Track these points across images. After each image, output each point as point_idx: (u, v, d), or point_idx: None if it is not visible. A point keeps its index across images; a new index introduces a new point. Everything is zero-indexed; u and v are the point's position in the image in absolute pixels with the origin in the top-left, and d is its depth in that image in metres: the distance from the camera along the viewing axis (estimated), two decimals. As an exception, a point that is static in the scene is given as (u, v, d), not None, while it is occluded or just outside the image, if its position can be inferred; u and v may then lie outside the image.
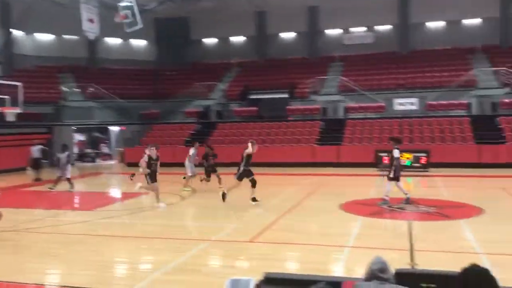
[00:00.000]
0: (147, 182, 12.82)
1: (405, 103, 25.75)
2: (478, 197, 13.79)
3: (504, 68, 26.98)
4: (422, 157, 20.65)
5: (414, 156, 20.65)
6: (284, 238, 9.36)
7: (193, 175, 16.25)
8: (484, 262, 7.46)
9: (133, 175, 16.07)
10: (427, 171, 20.33)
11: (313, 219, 11.38)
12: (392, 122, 25.15)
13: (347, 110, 27.53)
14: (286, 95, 29.52)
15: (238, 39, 37.03)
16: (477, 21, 32.25)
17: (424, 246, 8.51)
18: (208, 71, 34.20)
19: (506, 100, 24.75)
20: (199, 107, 29.95)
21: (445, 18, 32.37)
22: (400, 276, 3.84)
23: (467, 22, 32.44)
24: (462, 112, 25.23)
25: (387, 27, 33.98)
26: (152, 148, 12.95)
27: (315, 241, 9.23)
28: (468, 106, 25.35)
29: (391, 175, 12.47)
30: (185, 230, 10.98)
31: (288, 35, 36.00)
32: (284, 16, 33.61)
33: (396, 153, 12.57)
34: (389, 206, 12.24)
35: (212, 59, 36.20)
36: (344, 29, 34.82)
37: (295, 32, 35.65)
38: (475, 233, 9.54)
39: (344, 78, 29.33)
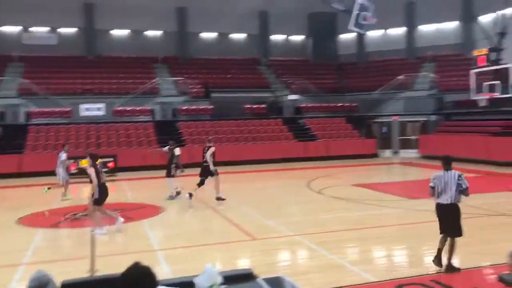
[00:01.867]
0: None
1: (92, 109, 25.52)
2: (160, 197, 14.82)
3: (182, 78, 30.05)
4: (110, 162, 20.91)
5: (102, 162, 20.63)
6: None
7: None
8: (160, 258, 8.08)
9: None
10: (114, 175, 20.68)
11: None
12: (79, 127, 24.57)
13: (29, 115, 25.37)
14: None
15: None
16: (159, 33, 34.81)
17: (107, 250, 8.56)
18: None
19: (184, 107, 27.58)
20: None
21: (131, 27, 33.69)
22: (66, 287, 3.70)
23: (150, 33, 34.64)
24: (147, 118, 26.75)
25: (73, 30, 33.03)
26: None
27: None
28: (152, 112, 27.04)
29: (173, 173, 13.98)
30: None
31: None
32: None
33: (177, 151, 14.40)
34: (74, 214, 11.87)
35: None
36: (24, 28, 32.01)
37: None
38: (155, 230, 10.24)
39: (25, 80, 26.93)
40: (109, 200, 14.10)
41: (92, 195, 10.17)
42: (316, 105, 30.62)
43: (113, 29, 33.59)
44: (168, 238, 9.71)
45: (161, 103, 27.41)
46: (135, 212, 12.38)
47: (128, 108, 26.69)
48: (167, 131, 25.88)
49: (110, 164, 20.95)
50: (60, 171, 14.75)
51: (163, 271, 7.09)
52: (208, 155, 13.54)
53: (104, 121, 25.48)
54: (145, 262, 2.90)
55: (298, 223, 10.57)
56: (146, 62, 33.15)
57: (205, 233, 9.91)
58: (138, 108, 26.94)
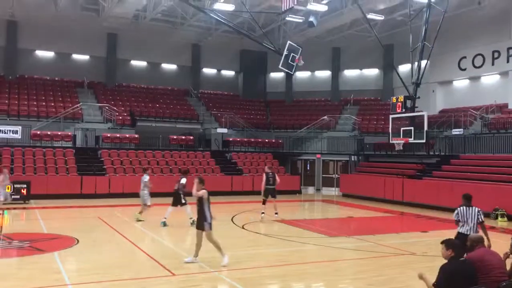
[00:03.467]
0: None
1: (7, 131, 24.00)
2: (75, 228, 14.08)
3: (108, 104, 29.25)
4: (22, 189, 19.64)
5: (14, 188, 19.39)
6: None
7: None
8: (71, 293, 7.59)
9: None
10: (27, 203, 19.44)
11: None
12: (-8, 150, 22.98)
13: None
14: None
15: None
16: (85, 57, 33.81)
17: (8, 285, 7.94)
18: None
19: (108, 134, 26.73)
20: None
21: (56, 49, 32.44)
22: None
23: (77, 56, 33.54)
24: (67, 144, 25.58)
25: (-7, 48, 31.28)
26: None
27: None
28: (73, 138, 25.92)
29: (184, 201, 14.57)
30: None
31: None
32: None
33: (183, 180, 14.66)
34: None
35: None
36: None
37: None
38: (67, 264, 9.65)
39: None
40: (19, 229, 13.25)
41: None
42: (244, 140, 30.99)
43: (37, 49, 32.17)
44: (81, 272, 9.17)
45: (83, 129, 26.36)
46: (47, 243, 11.64)
47: (48, 132, 25.42)
48: (88, 158, 24.92)
49: (23, 191, 19.64)
50: None
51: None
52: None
53: (20, 145, 24.03)
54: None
55: (219, 259, 10.44)
56: (70, 86, 32.05)
57: (121, 268, 9.48)
58: (58, 133, 25.73)
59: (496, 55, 27.51)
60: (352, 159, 29.65)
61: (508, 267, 6.23)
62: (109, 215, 17.00)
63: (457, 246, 5.83)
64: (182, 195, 14.63)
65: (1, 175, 16.74)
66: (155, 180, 24.50)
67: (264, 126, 34.33)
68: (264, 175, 16.73)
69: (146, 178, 15.73)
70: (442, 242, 5.97)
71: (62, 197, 21.10)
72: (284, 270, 9.23)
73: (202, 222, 9.53)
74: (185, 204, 14.68)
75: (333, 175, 29.78)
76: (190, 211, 14.25)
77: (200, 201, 9.53)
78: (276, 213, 16.62)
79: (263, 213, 16.28)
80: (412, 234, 14.67)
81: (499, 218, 17.53)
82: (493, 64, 27.75)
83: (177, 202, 14.68)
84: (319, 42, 34.48)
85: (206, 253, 11.09)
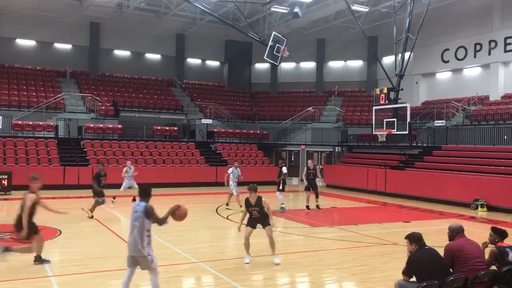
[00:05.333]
0: None
1: (-14, 122, 23.60)
2: (58, 219, 13.90)
3: (91, 94, 28.90)
4: (4, 179, 19.38)
5: (-4, 178, 19.14)
6: None
7: None
8: (53, 284, 7.56)
9: None
10: (9, 194, 19.18)
11: None
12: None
13: None
14: None
15: None
16: (68, 46, 33.27)
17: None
18: None
19: (91, 125, 26.45)
20: None
21: (37, 38, 31.87)
22: None
23: (59, 45, 32.98)
24: (49, 134, 25.24)
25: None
26: None
27: None
28: (55, 128, 25.59)
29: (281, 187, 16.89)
30: None
31: None
32: None
33: (284, 169, 17.14)
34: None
35: None
36: None
37: None
38: (49, 255, 9.55)
39: None
40: (0, 220, 13.08)
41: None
42: (229, 131, 30.95)
43: (18, 38, 31.54)
44: (64, 264, 9.12)
45: (66, 119, 26.02)
46: (29, 234, 11.47)
47: (30, 123, 25.05)
48: (70, 149, 24.65)
49: (4, 182, 19.38)
50: None
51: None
52: None
53: (1, 135, 23.65)
54: None
55: (203, 250, 10.47)
56: (52, 75, 31.55)
57: (104, 259, 9.45)
58: (40, 123, 25.37)
59: (478, 47, 27.86)
60: (336, 150, 29.85)
61: (486, 257, 6.36)
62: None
63: (419, 238, 6.02)
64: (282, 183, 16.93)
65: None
66: (138, 171, 24.38)
67: (249, 117, 34.30)
68: (305, 169, 17.70)
69: (237, 170, 17.21)
70: (406, 238, 6.15)
71: (44, 188, 20.73)
72: (268, 261, 9.29)
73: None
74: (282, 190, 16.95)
75: (317, 166, 29.94)
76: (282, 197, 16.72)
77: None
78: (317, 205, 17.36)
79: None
80: (394, 224, 14.86)
81: (479, 208, 17.85)
82: (475, 56, 28.11)
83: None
84: (304, 33, 34.48)
85: (191, 243, 11.12)
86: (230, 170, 17.12)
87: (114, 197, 17.12)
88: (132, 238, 6.32)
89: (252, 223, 9.26)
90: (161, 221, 6.33)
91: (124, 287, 6.45)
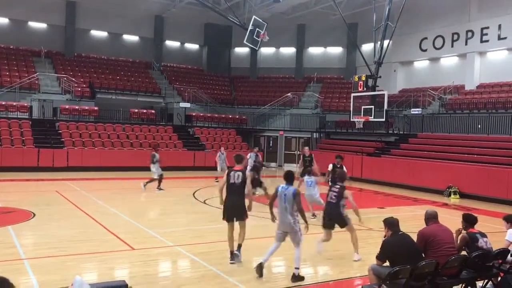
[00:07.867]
0: None
1: (-42, 100, 22.90)
2: (31, 202, 13.72)
3: (66, 75, 28.29)
4: (-25, 161, 18.90)
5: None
6: None
7: None
8: (26, 268, 7.45)
9: None
10: (-20, 175, 18.75)
11: None
12: None
13: None
14: None
15: None
16: (43, 25, 32.40)
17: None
18: None
19: (67, 106, 25.94)
20: None
21: (11, 15, 30.92)
22: None
23: (33, 24, 32.09)
24: (23, 115, 24.66)
25: None
26: None
27: None
28: (29, 109, 25.01)
29: None
30: None
31: None
32: None
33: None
34: None
35: None
36: None
37: None
38: (22, 238, 9.43)
39: None
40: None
41: None
42: (208, 115, 30.77)
43: (-10, 15, 30.59)
44: (37, 246, 8.99)
45: (40, 100, 25.44)
46: (1, 217, 11.32)
47: (2, 103, 24.43)
48: (45, 130, 24.17)
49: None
50: None
51: (29, 283, 6.55)
52: None
53: (-28, 115, 23.04)
54: (8, 272, 2.65)
55: (180, 233, 10.46)
56: (26, 55, 30.73)
57: (79, 242, 9.34)
58: (14, 103, 24.76)
59: (455, 37, 28.20)
60: (314, 136, 30.01)
61: (458, 243, 6.51)
62: (67, 189, 16.65)
63: (394, 224, 6.16)
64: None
65: None
66: (115, 154, 24.09)
67: (228, 102, 34.15)
68: (301, 156, 17.59)
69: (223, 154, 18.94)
70: (383, 221, 6.31)
71: (17, 170, 20.48)
72: (245, 245, 9.32)
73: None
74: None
75: (295, 152, 30.09)
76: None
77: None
78: None
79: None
80: (369, 210, 15.08)
81: (452, 195, 18.26)
82: (452, 46, 28.46)
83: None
84: (285, 18, 34.32)
85: (167, 228, 11.09)
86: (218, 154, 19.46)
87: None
88: (284, 216, 7.45)
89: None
90: (300, 206, 7.47)
91: (268, 256, 7.64)
